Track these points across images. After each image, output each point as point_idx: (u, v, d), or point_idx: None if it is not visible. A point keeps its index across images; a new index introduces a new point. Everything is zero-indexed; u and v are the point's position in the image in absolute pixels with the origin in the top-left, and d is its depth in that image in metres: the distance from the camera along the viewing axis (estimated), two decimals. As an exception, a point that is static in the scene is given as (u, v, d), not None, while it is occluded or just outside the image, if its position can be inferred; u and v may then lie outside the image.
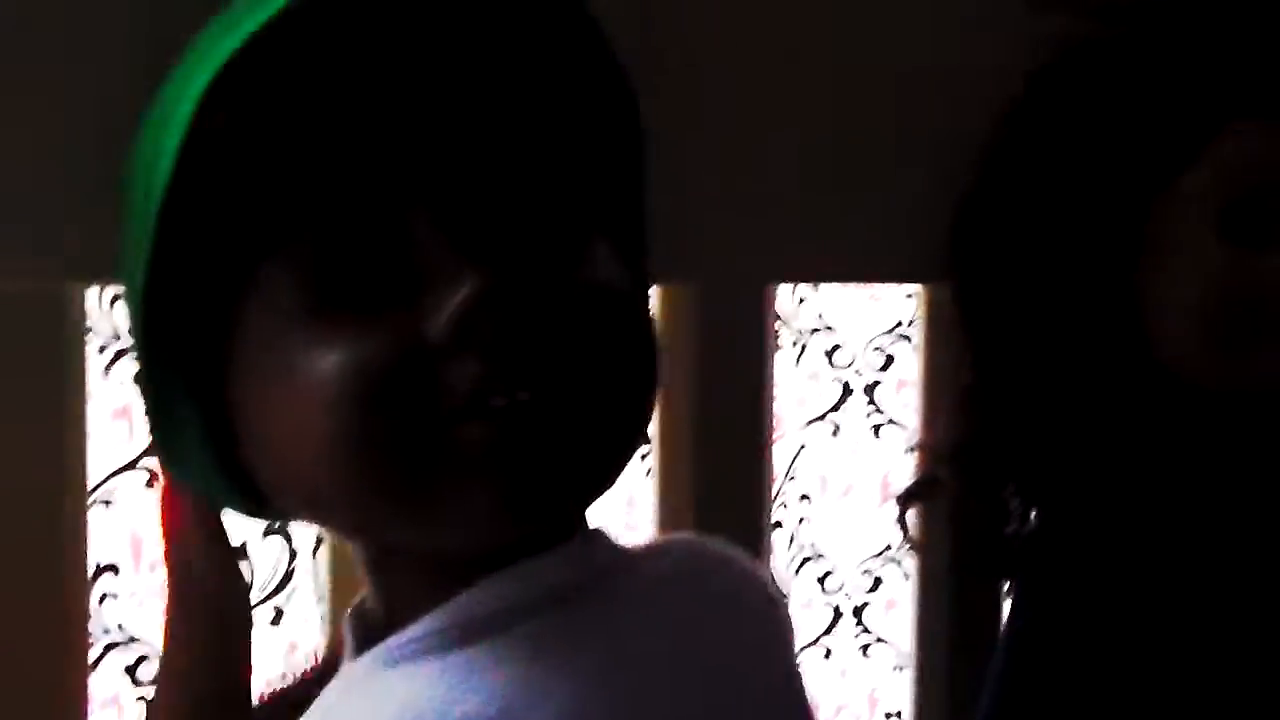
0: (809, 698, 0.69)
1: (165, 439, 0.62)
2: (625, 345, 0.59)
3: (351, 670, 0.61)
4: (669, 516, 0.92)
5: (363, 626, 0.63)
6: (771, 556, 0.98)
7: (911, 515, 1.01)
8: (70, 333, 0.75)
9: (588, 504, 0.61)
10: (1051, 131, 0.89)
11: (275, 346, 0.56)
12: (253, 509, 0.64)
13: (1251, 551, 0.87)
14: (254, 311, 0.57)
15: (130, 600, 1.63)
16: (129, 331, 0.61)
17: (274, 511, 0.64)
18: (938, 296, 1.00)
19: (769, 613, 0.68)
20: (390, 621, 0.61)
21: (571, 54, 0.62)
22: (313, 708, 0.60)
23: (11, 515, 0.74)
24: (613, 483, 0.60)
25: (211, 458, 0.61)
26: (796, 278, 1.02)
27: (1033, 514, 0.96)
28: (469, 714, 0.55)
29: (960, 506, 0.98)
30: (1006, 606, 1.05)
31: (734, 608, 0.66)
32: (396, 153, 0.56)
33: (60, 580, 0.76)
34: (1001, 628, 1.04)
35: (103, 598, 1.63)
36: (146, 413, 0.61)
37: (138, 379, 0.61)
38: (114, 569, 1.63)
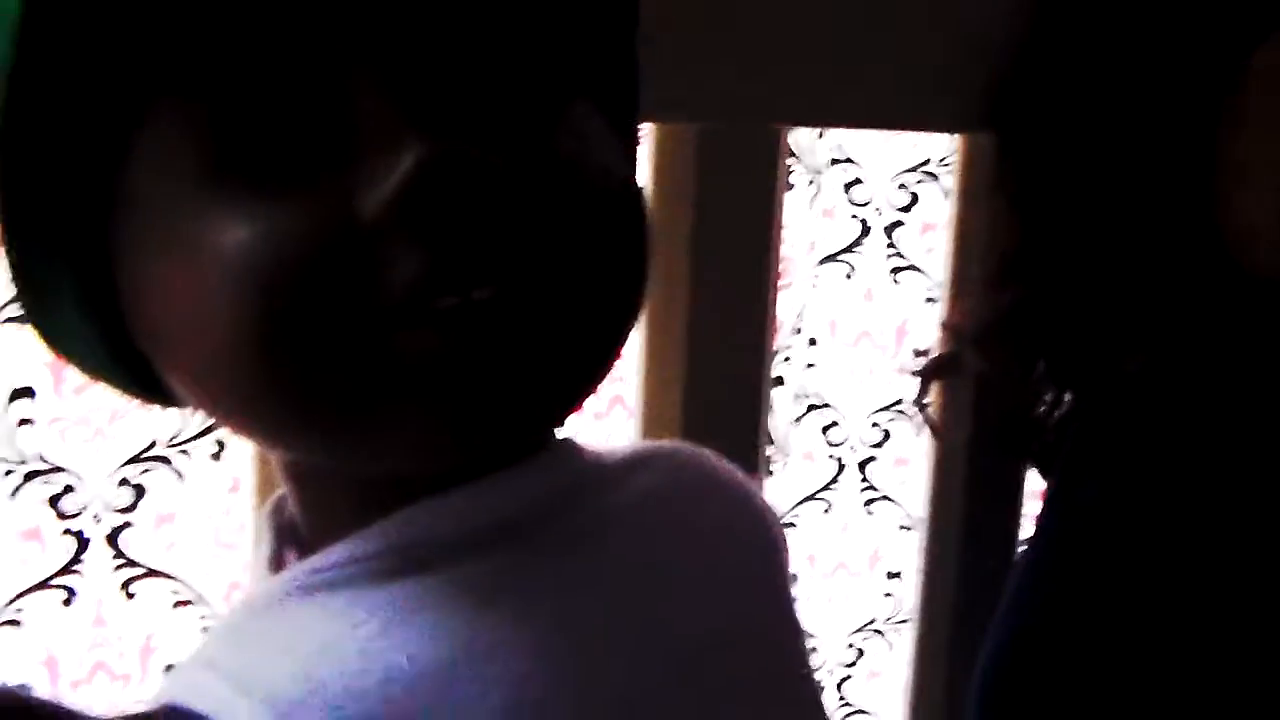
0: (802, 634, 0.58)
1: (40, 312, 0.49)
2: (609, 229, 0.47)
3: (267, 589, 0.50)
4: (657, 388, 0.81)
5: (283, 529, 0.53)
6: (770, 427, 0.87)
7: (931, 392, 0.93)
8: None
9: (556, 424, 0.51)
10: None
11: (169, 214, 0.44)
12: (153, 397, 0.52)
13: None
14: (143, 170, 0.45)
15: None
16: None
17: (177, 401, 0.52)
18: (976, 151, 0.87)
19: (763, 540, 0.58)
20: (311, 536, 0.51)
21: None
22: (220, 626, 0.51)
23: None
24: (586, 399, 0.49)
25: (97, 337, 0.49)
26: (812, 121, 0.90)
27: (1066, 397, 0.87)
28: (392, 671, 0.45)
29: (990, 386, 0.89)
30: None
31: (724, 536, 0.56)
32: None
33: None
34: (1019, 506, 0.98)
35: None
36: (13, 278, 0.48)
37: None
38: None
